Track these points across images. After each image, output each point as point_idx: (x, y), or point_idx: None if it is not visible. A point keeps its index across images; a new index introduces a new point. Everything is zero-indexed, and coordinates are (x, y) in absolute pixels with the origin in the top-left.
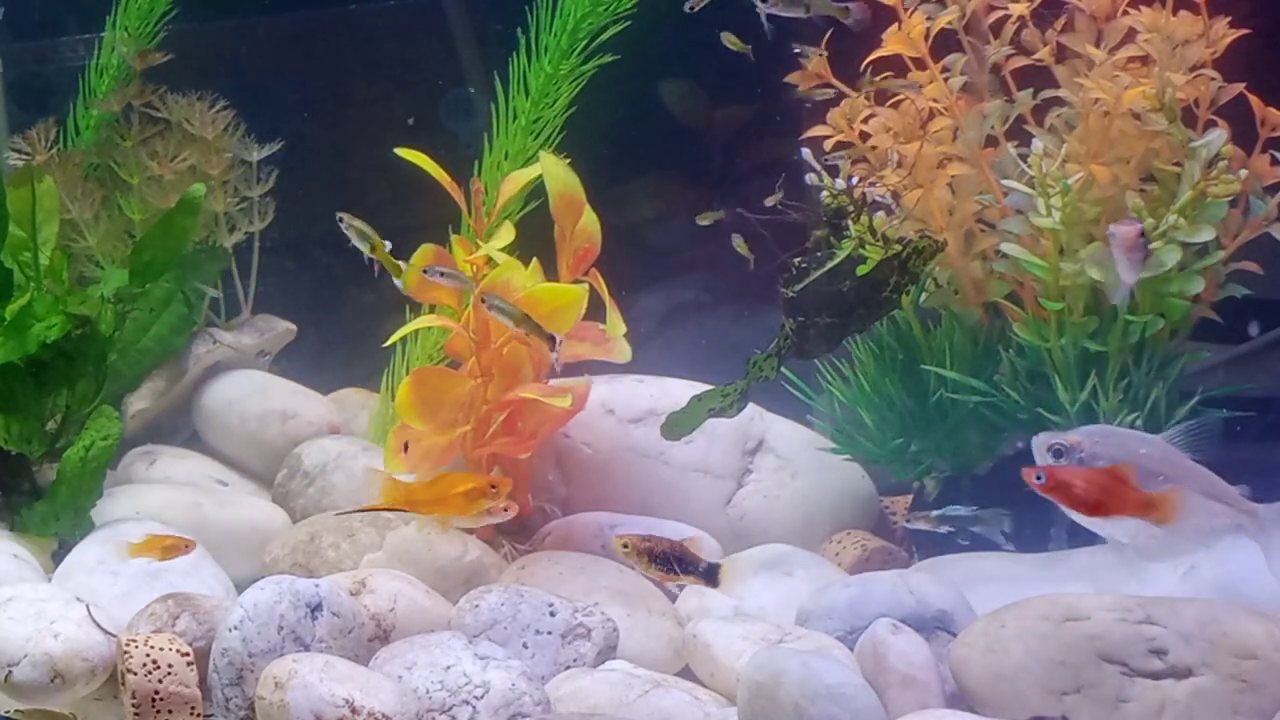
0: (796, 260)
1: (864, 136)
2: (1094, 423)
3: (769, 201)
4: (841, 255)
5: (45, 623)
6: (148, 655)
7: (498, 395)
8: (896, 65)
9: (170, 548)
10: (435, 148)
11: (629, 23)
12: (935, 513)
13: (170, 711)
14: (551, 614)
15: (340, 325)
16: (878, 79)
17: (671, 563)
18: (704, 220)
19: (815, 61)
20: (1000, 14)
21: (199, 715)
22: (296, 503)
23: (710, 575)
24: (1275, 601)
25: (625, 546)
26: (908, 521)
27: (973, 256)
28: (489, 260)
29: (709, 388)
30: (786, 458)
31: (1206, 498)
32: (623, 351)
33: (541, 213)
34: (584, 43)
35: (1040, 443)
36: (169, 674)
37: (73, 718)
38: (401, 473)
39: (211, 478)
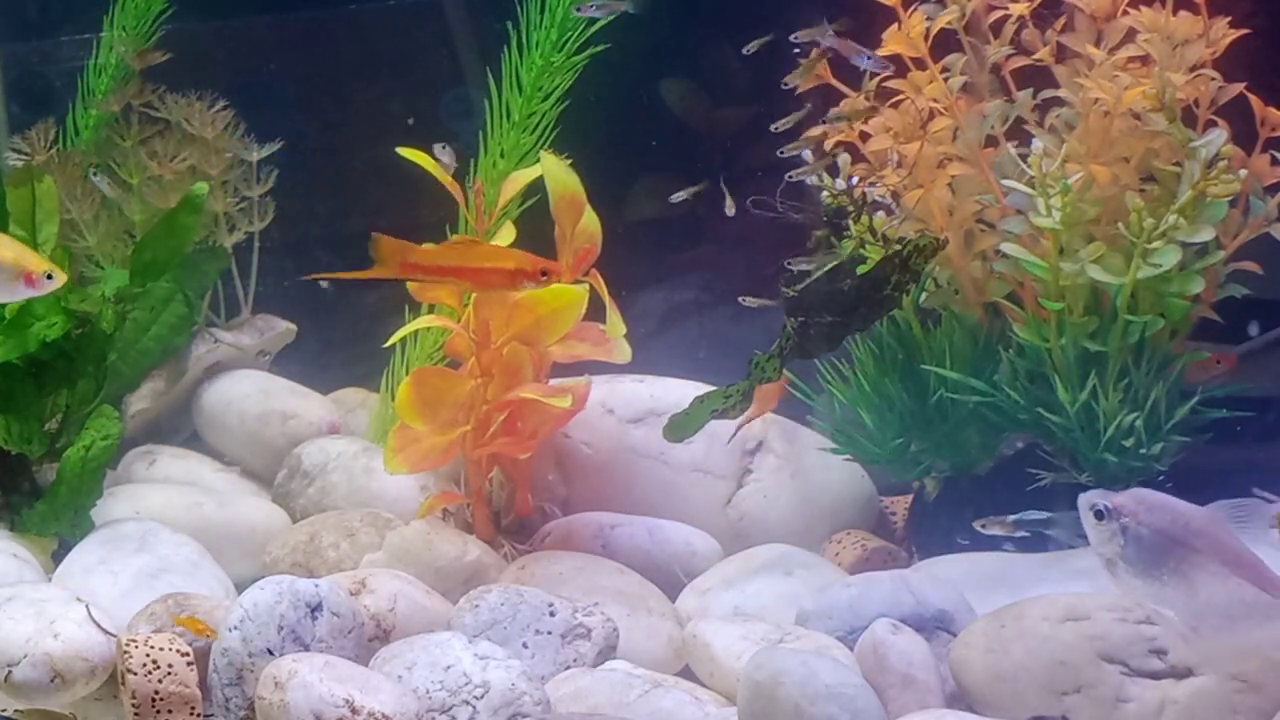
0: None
1: (864, 137)
2: (1094, 424)
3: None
4: (843, 254)
5: (45, 623)
6: (148, 655)
7: (498, 395)
8: (896, 65)
9: None
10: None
11: (617, 14)
12: (1011, 518)
13: (170, 711)
14: (551, 614)
15: (340, 325)
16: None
17: None
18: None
19: (815, 62)
20: (1000, 14)
21: (199, 715)
22: (296, 503)
23: None
24: None
25: None
26: (982, 527)
27: (973, 256)
28: None
29: (710, 388)
30: (786, 458)
31: (1239, 579)
32: (623, 352)
33: (542, 213)
34: (573, 33)
35: (1084, 501)
36: (169, 674)
37: (73, 718)
38: (401, 473)
39: (215, 470)
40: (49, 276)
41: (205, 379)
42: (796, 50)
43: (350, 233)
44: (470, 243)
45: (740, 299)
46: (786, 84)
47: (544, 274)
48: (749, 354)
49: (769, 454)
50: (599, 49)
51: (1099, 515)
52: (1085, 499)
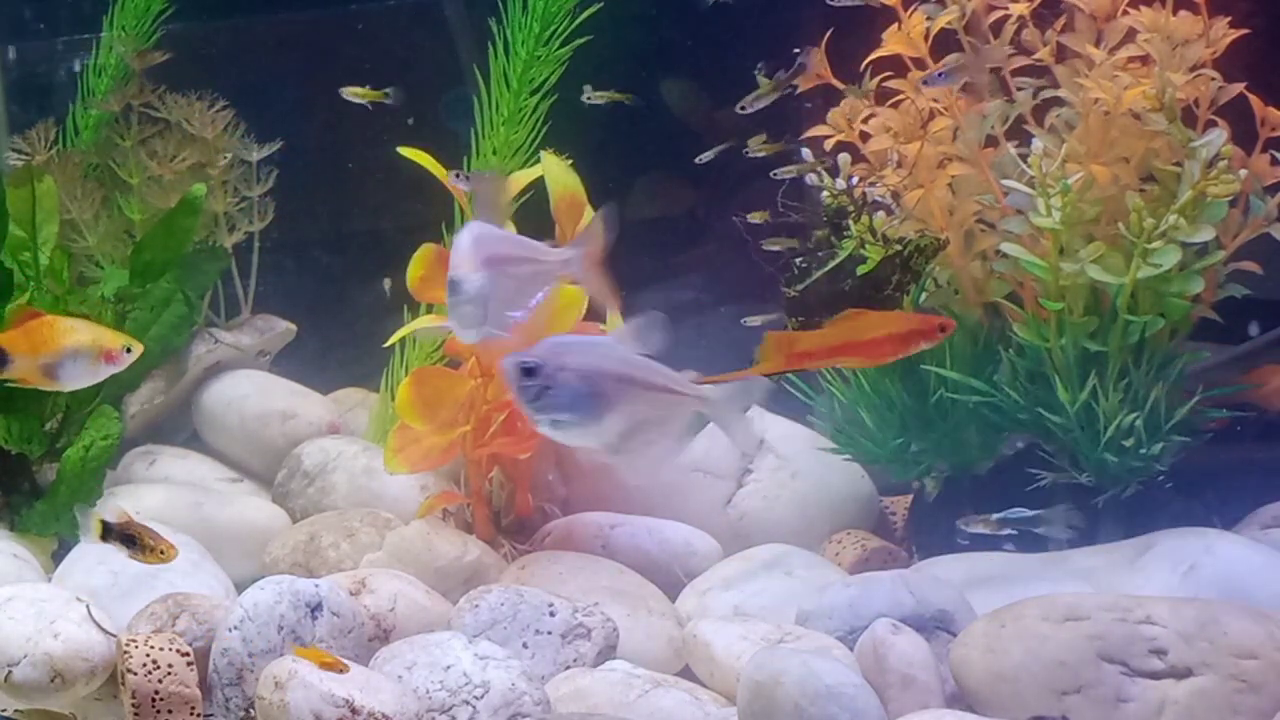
0: (798, 260)
1: (864, 137)
2: (1094, 424)
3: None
4: (844, 254)
5: (45, 623)
6: (148, 655)
7: (498, 395)
8: (896, 65)
9: None
10: (435, 147)
11: (600, 4)
12: (995, 516)
13: (170, 711)
14: (551, 614)
15: (340, 325)
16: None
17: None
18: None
19: (815, 61)
20: (1000, 14)
21: (199, 715)
22: (296, 503)
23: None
24: (1276, 601)
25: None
26: (965, 525)
27: (973, 256)
28: None
29: None
30: (786, 458)
31: (655, 392)
32: None
33: (542, 212)
34: (556, 27)
35: (507, 366)
36: (169, 674)
37: (73, 718)
38: (401, 473)
39: (221, 479)
40: (127, 350)
41: (205, 379)
42: (796, 50)
43: (350, 232)
44: (855, 314)
45: (743, 321)
46: (743, 108)
47: (942, 329)
48: (749, 354)
49: (769, 454)
50: (582, 41)
51: (526, 373)
52: (507, 362)
